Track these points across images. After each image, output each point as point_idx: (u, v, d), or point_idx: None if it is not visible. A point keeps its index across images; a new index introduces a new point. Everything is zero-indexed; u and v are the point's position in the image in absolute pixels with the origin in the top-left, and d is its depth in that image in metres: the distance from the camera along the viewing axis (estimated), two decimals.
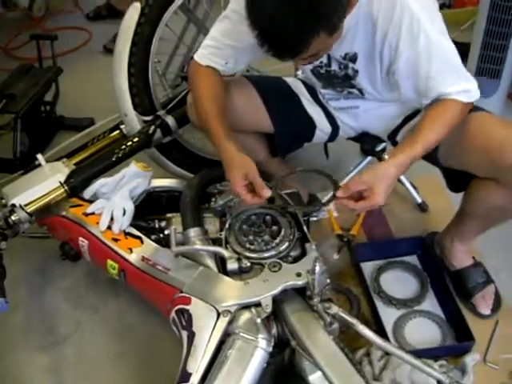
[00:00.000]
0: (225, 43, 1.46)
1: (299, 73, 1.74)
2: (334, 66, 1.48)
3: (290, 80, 1.72)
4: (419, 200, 2.04)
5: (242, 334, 1.26)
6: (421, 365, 1.22)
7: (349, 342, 1.47)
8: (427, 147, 1.30)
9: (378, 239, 1.96)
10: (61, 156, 1.92)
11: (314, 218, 2.00)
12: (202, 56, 1.50)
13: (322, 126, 1.72)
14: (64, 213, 1.67)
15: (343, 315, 1.29)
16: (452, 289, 1.73)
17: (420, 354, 1.50)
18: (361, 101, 1.59)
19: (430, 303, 1.72)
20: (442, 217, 2.00)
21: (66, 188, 1.66)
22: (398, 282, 1.79)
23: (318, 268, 1.24)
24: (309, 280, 1.29)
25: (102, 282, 1.84)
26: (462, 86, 1.32)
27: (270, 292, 1.31)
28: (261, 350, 1.24)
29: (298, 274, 1.33)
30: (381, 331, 1.61)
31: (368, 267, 1.83)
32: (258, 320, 1.28)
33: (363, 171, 1.36)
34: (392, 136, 1.66)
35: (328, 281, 1.31)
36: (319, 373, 1.25)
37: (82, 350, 1.69)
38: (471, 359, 1.53)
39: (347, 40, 1.35)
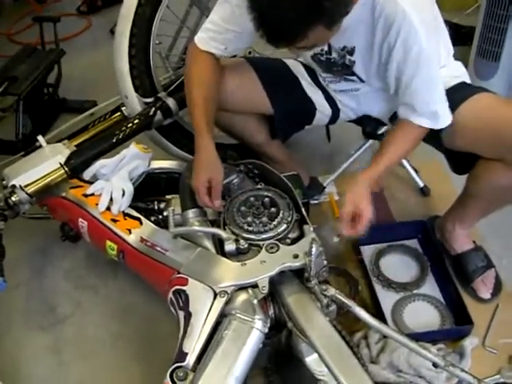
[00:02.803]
0: (225, 28, 1.45)
1: (300, 59, 1.72)
2: (334, 55, 1.48)
3: (290, 62, 1.70)
4: (421, 184, 2.03)
5: (238, 314, 1.26)
6: (416, 347, 1.22)
7: (347, 324, 1.46)
8: (390, 165, 1.46)
9: (379, 223, 1.94)
10: (62, 138, 1.91)
11: (315, 201, 2.01)
12: (201, 40, 1.50)
13: (323, 109, 1.71)
14: (64, 194, 1.67)
15: (340, 297, 1.29)
16: (452, 273, 1.73)
17: (418, 337, 1.51)
18: (361, 84, 1.57)
19: (430, 287, 1.72)
20: (444, 201, 1.98)
21: (66, 169, 1.66)
22: (398, 266, 1.78)
23: (314, 249, 1.24)
24: (306, 262, 1.29)
25: (102, 263, 1.84)
26: (435, 107, 1.38)
27: (267, 273, 1.31)
28: (257, 330, 1.24)
29: (296, 256, 1.33)
30: (379, 314, 1.61)
31: (368, 250, 1.83)
32: (255, 301, 1.28)
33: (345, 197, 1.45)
34: (393, 119, 1.64)
35: (325, 263, 1.31)
36: (316, 355, 1.25)
37: (82, 330, 1.70)
38: (469, 343, 1.53)
39: (347, 35, 1.36)
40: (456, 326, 1.61)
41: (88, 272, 1.86)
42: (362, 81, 1.55)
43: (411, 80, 1.35)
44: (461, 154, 1.49)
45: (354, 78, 1.54)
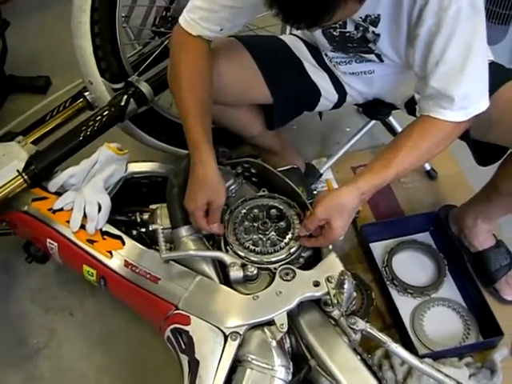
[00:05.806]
0: (220, 4, 1.17)
1: (298, 33, 1.46)
2: (350, 27, 1.22)
3: (288, 40, 1.44)
4: (427, 167, 1.84)
5: (255, 361, 1.07)
6: None
7: (363, 341, 1.29)
8: (400, 173, 1.16)
9: (384, 213, 1.76)
10: (16, 133, 1.61)
11: (314, 192, 1.80)
12: (190, 22, 1.21)
13: (328, 94, 1.47)
14: (26, 208, 1.40)
15: (372, 332, 1.11)
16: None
17: (444, 354, 1.39)
18: (377, 65, 1.34)
19: (449, 289, 1.55)
20: (451, 184, 1.84)
21: (26, 177, 1.39)
22: (412, 266, 1.60)
23: (347, 285, 1.04)
24: (329, 291, 1.11)
25: (75, 278, 1.58)
26: (467, 89, 1.09)
27: (285, 307, 1.11)
28: (279, 380, 1.06)
29: (316, 284, 1.13)
30: (398, 325, 1.45)
31: (377, 249, 1.64)
32: (274, 343, 1.09)
33: (319, 199, 1.17)
34: (410, 104, 1.42)
35: (355, 294, 1.11)
36: None
37: (60, 364, 1.47)
38: (499, 355, 1.39)
39: (371, 0, 1.08)
40: (481, 332, 1.47)
41: (60, 290, 1.60)
42: (380, 60, 1.31)
43: (443, 52, 1.06)
44: (488, 144, 1.30)
45: (372, 56, 1.30)
